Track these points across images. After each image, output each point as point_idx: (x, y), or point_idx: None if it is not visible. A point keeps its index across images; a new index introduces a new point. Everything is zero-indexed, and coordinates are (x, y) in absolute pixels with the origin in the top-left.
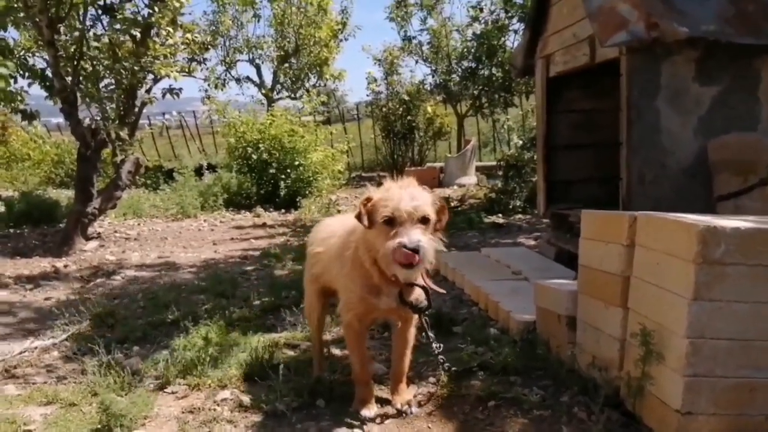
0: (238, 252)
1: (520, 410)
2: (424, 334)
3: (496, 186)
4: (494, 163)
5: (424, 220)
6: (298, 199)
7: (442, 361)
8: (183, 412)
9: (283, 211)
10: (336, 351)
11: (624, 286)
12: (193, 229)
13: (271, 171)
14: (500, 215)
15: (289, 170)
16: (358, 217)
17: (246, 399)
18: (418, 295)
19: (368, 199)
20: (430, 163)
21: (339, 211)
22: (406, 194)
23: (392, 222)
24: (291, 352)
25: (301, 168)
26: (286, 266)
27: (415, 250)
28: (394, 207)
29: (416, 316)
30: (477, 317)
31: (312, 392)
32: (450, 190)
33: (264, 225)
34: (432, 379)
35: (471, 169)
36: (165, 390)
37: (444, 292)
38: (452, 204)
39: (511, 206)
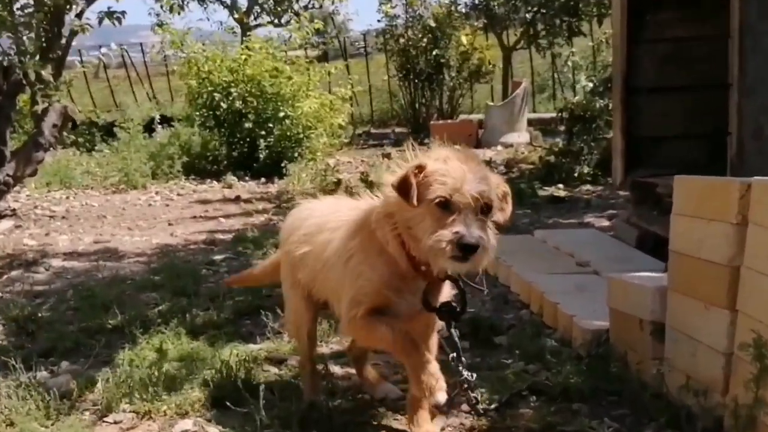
0: (202, 235)
1: None
2: (452, 355)
3: (555, 146)
4: (553, 114)
5: (486, 209)
6: (283, 164)
7: (474, 400)
8: None
9: (262, 180)
10: (336, 368)
11: (732, 280)
12: (141, 204)
13: (247, 126)
14: (561, 186)
15: (271, 125)
16: (404, 187)
17: (214, 431)
18: (448, 295)
19: (420, 168)
20: (465, 115)
21: (339, 182)
22: (471, 172)
23: (448, 206)
24: (275, 369)
25: (287, 122)
26: (267, 254)
27: (475, 247)
28: (454, 187)
29: (441, 323)
30: (528, 324)
31: (303, 422)
32: (492, 151)
33: (237, 199)
34: (466, 407)
35: (521, 122)
36: (105, 419)
37: (485, 290)
38: (495, 170)
39: (576, 173)
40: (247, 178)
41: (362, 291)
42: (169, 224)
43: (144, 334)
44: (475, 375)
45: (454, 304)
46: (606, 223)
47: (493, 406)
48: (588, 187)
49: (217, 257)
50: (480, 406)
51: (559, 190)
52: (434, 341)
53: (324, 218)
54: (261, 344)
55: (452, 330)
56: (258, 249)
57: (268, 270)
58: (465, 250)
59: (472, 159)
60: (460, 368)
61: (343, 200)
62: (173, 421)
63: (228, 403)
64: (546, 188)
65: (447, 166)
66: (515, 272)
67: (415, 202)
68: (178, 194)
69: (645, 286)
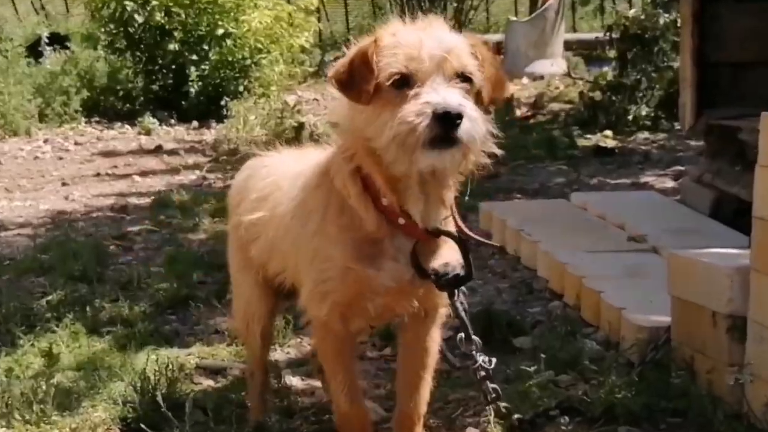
0: (109, 199)
1: None
2: (460, 340)
3: (602, 78)
4: (600, 34)
5: (463, 78)
6: (222, 102)
7: (491, 393)
8: None
9: (194, 124)
10: (294, 380)
11: None
12: (24, 156)
13: (172, 47)
14: (609, 133)
15: (205, 46)
16: (347, 77)
17: None
18: (447, 256)
19: (362, 51)
20: (478, 35)
21: (300, 126)
22: (431, 37)
23: (407, 81)
24: (209, 382)
25: (228, 42)
26: (200, 226)
27: (457, 114)
28: (409, 54)
29: (443, 306)
30: (560, 319)
31: None
32: (514, 85)
33: (158, 150)
34: (473, 430)
35: (555, 45)
36: None
37: (497, 245)
38: (519, 113)
39: (630, 116)
40: (172, 121)
41: (323, 276)
42: (64, 184)
43: (28, 333)
44: (494, 361)
45: (452, 268)
46: (670, 183)
47: (516, 416)
48: (646, 134)
49: (131, 229)
50: (502, 404)
51: (607, 139)
52: (435, 338)
53: (283, 175)
54: (190, 348)
55: (457, 302)
56: (187, 218)
57: None
58: (443, 122)
59: (431, 25)
60: (473, 352)
61: (312, 152)
62: None
63: (143, 427)
64: (588, 136)
65: (398, 37)
66: (543, 250)
67: (365, 89)
68: (76, 143)
69: (720, 266)
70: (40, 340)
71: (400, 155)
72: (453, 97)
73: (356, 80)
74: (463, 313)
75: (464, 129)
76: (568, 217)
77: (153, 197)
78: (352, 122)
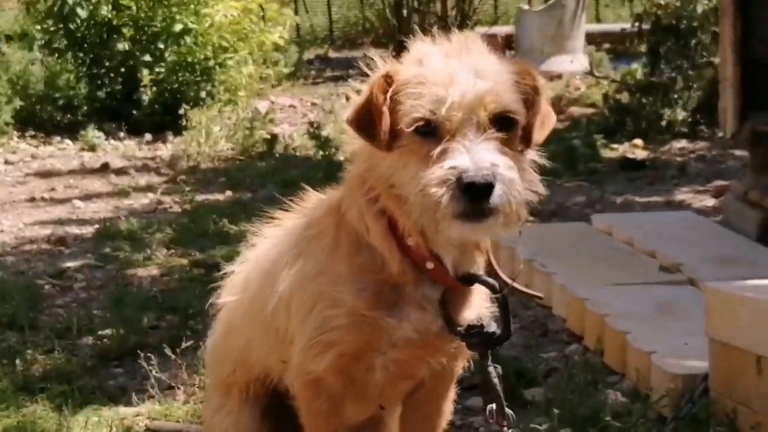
0: (45, 228)
1: None
2: (490, 412)
3: (631, 76)
4: (627, 25)
5: (502, 123)
6: (181, 111)
7: None
8: None
9: (147, 137)
10: None
11: None
12: None
13: (122, 47)
14: (639, 142)
15: (161, 45)
16: (365, 120)
17: None
18: (478, 306)
19: (387, 81)
20: (484, 27)
21: (273, 138)
22: (463, 68)
23: (434, 130)
24: None
25: (187, 39)
26: (152, 259)
27: (487, 184)
28: (436, 97)
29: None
30: (578, 366)
31: None
32: None
33: (105, 168)
34: None
35: (575, 39)
36: None
37: (541, 296)
38: None
39: (663, 121)
40: (121, 134)
41: (329, 324)
42: None
43: None
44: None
45: (487, 323)
46: (710, 202)
47: None
48: (682, 143)
49: (70, 264)
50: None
51: (636, 149)
52: (450, 397)
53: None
54: (139, 406)
55: (489, 366)
56: (137, 250)
57: None
58: (471, 194)
59: (467, 48)
60: (505, 429)
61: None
62: None
63: None
64: (614, 146)
65: (423, 69)
66: (560, 284)
67: (383, 138)
68: (7, 162)
69: (765, 301)
70: None
71: (426, 222)
72: (485, 158)
73: (374, 125)
74: (496, 380)
75: (497, 197)
76: (589, 243)
77: (97, 226)
78: (375, 164)
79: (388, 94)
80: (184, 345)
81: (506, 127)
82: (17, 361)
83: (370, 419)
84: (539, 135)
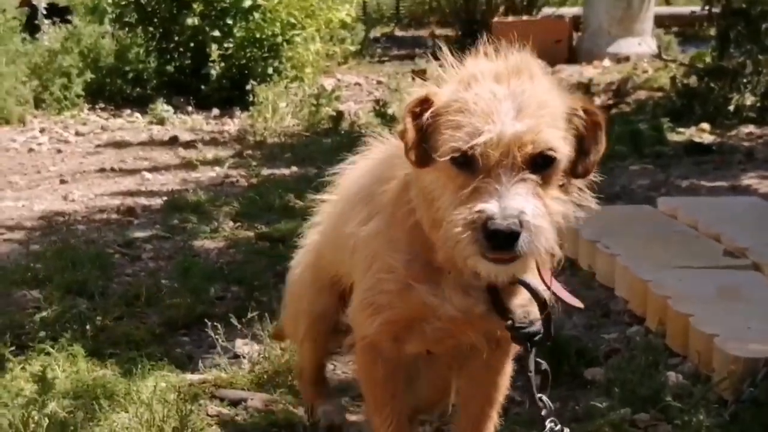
0: (115, 199)
1: None
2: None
3: (699, 60)
4: (697, 8)
5: (541, 162)
6: (249, 86)
7: None
8: None
9: (215, 112)
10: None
11: None
12: (17, 148)
13: (191, 22)
14: (706, 126)
15: (229, 21)
16: (402, 140)
17: None
18: (525, 303)
19: (423, 103)
20: (551, 8)
21: (339, 116)
22: (508, 99)
23: (469, 162)
24: (227, 411)
25: (255, 16)
26: (219, 232)
27: (511, 232)
28: (474, 129)
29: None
30: (640, 347)
31: None
32: (594, 68)
33: (174, 142)
34: None
35: (644, 21)
36: None
37: (581, 305)
38: (599, 101)
39: (732, 106)
40: (189, 108)
41: (379, 287)
42: (62, 182)
43: (18, 354)
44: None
45: (531, 320)
46: None
47: None
48: (750, 128)
49: (139, 234)
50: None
51: (703, 134)
52: (507, 372)
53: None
54: (206, 373)
55: (531, 359)
56: (204, 222)
57: None
58: (495, 240)
59: (517, 73)
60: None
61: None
62: None
63: None
64: (681, 130)
65: (467, 94)
66: (623, 266)
67: (413, 159)
68: (78, 133)
69: None
70: (33, 363)
71: (451, 250)
72: (513, 205)
73: (409, 143)
74: (532, 374)
75: (522, 245)
76: (653, 226)
77: (165, 198)
78: (416, 175)
79: (425, 117)
80: (249, 315)
81: (544, 165)
82: (87, 327)
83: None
84: (582, 168)
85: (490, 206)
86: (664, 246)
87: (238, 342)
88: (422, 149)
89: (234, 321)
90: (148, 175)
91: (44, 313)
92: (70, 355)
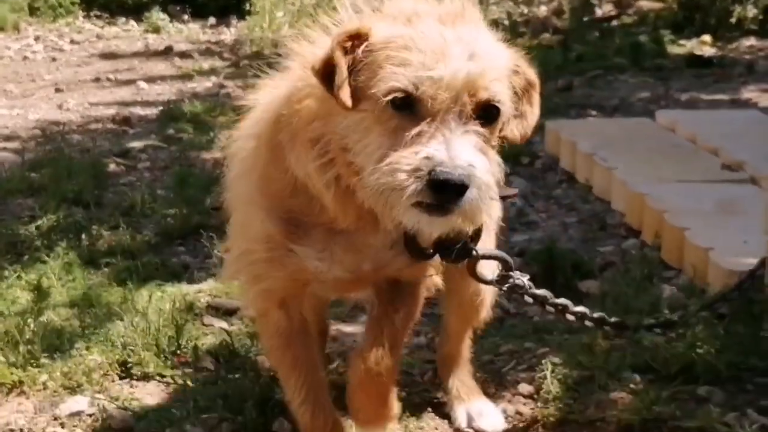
0: (110, 109)
1: None
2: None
3: None
4: None
5: (488, 114)
6: None
7: (525, 285)
8: None
9: (211, 20)
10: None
11: None
12: (12, 56)
13: None
14: (707, 38)
15: None
16: (328, 72)
17: (121, 415)
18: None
19: (358, 36)
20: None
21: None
22: (457, 42)
23: (411, 105)
24: (221, 323)
25: None
26: (215, 142)
27: (461, 184)
28: (423, 70)
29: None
30: (635, 260)
31: (264, 404)
32: None
33: (169, 51)
34: (527, 387)
35: None
36: None
37: (515, 192)
38: (600, 12)
39: (733, 17)
40: (185, 17)
41: (252, 256)
42: (57, 90)
43: (14, 263)
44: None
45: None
46: None
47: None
48: (752, 41)
49: (134, 144)
50: (537, 291)
51: (704, 46)
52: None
53: None
54: (201, 284)
55: (514, 279)
56: (200, 133)
57: None
58: (441, 190)
59: (462, 18)
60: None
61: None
62: (58, 398)
63: (147, 373)
64: (682, 42)
65: (411, 31)
66: (620, 179)
67: (346, 99)
68: (73, 42)
69: None
70: (29, 272)
71: (380, 206)
72: (464, 154)
73: (333, 80)
74: (519, 281)
75: (467, 200)
76: (651, 139)
77: (161, 108)
78: (331, 122)
79: (358, 52)
80: None
81: (490, 117)
82: (83, 237)
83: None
84: (519, 136)
85: (439, 153)
86: (662, 159)
87: None
88: (354, 89)
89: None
90: (143, 84)
91: (40, 222)
92: (66, 264)
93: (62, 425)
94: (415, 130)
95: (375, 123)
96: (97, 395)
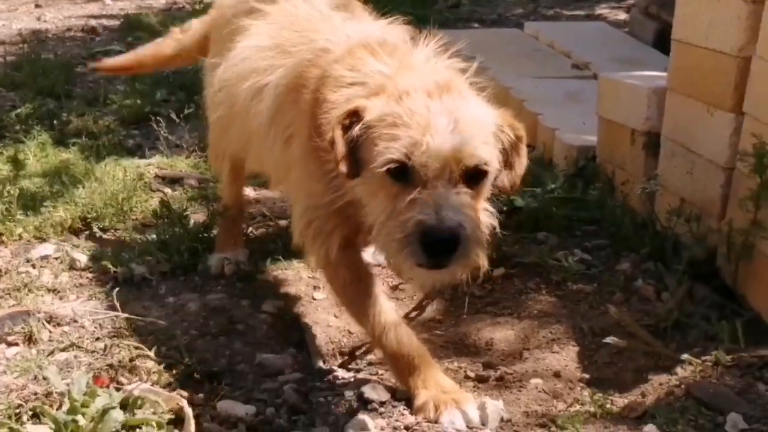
0: (80, 21)
1: (547, 283)
2: None
3: None
4: None
5: (475, 176)
6: None
7: None
8: None
9: None
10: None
11: (741, 75)
12: None
13: None
14: None
15: None
16: (331, 144)
17: (81, 258)
18: None
19: (352, 116)
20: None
21: None
22: (443, 114)
23: (407, 175)
24: (167, 189)
25: None
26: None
27: (453, 236)
28: (412, 141)
29: None
30: None
31: (194, 249)
32: None
33: None
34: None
35: None
36: None
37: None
38: None
39: None
40: None
41: (315, 215)
42: (37, 6)
43: None
44: None
45: None
46: (623, 15)
47: None
48: None
49: (99, 49)
50: None
51: None
52: None
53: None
54: (151, 159)
55: None
56: (157, 36)
57: (168, 53)
58: (432, 248)
59: (448, 89)
60: None
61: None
62: (30, 246)
63: (102, 226)
64: None
65: (402, 108)
66: (492, 75)
67: (345, 171)
68: None
69: (639, 87)
70: (8, 149)
71: (387, 254)
72: (452, 215)
73: (340, 156)
74: None
75: (459, 255)
76: (519, 45)
77: (123, 20)
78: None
79: (355, 130)
80: (186, 112)
81: (477, 179)
82: (55, 122)
83: None
84: (510, 185)
85: (429, 218)
86: (526, 61)
87: (179, 135)
88: (352, 161)
89: (176, 119)
90: (109, 1)
91: (19, 111)
92: (40, 143)
93: (33, 266)
94: (410, 197)
95: (379, 189)
96: (62, 243)
